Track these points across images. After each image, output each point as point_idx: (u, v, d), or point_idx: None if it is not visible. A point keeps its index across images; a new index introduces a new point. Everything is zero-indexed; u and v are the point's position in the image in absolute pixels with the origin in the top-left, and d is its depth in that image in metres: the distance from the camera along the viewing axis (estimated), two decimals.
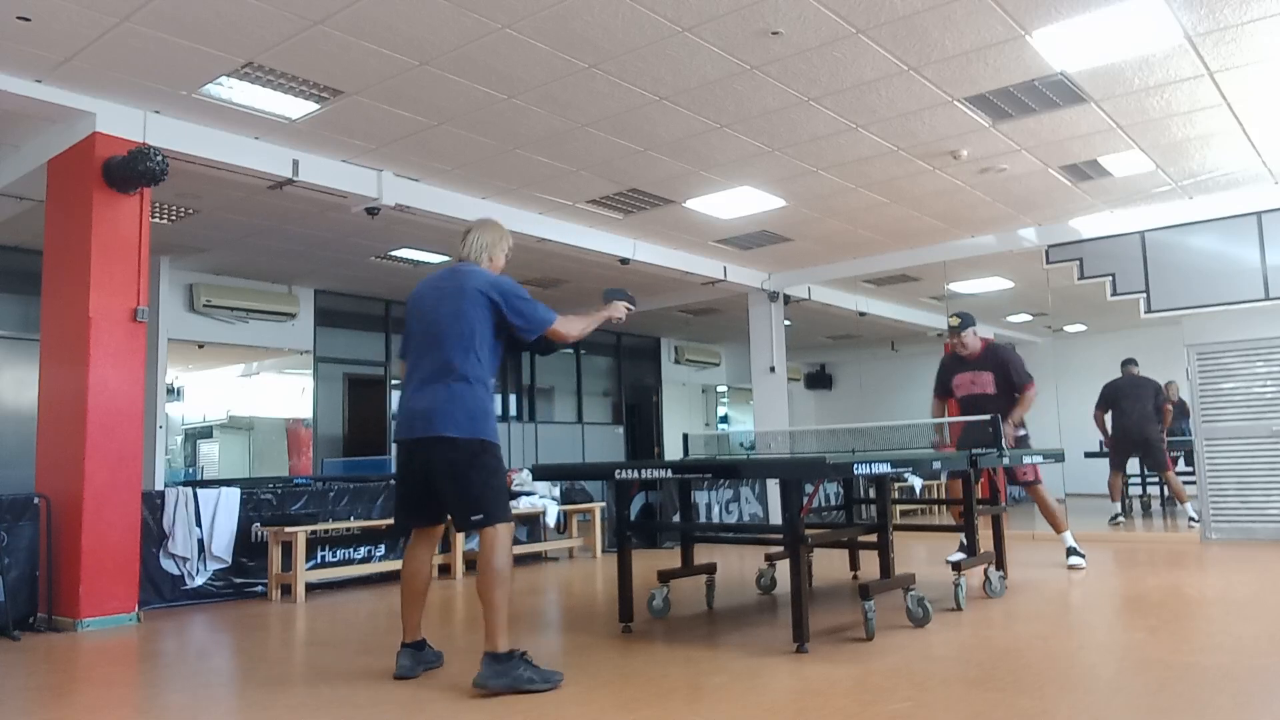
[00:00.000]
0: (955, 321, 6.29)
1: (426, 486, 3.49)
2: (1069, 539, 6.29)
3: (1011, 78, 5.36)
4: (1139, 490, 10.51)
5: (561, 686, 3.34)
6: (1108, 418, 9.42)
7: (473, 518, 3.36)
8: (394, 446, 3.59)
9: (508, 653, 3.26)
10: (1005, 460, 5.13)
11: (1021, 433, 6.20)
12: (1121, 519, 8.90)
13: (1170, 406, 9.31)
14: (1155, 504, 10.47)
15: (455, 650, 4.01)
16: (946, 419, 6.29)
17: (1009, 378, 6.18)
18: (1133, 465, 9.61)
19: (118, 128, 5.35)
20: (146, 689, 3.66)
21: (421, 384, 3.47)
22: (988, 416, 5.49)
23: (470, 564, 6.81)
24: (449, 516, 3.58)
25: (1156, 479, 9.75)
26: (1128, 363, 9.57)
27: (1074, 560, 6.23)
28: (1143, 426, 9.14)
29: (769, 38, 4.77)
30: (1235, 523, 7.49)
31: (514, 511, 3.95)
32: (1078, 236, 8.49)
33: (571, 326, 3.62)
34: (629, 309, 3.88)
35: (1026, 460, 5.61)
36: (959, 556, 6.26)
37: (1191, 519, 8.74)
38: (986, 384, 6.19)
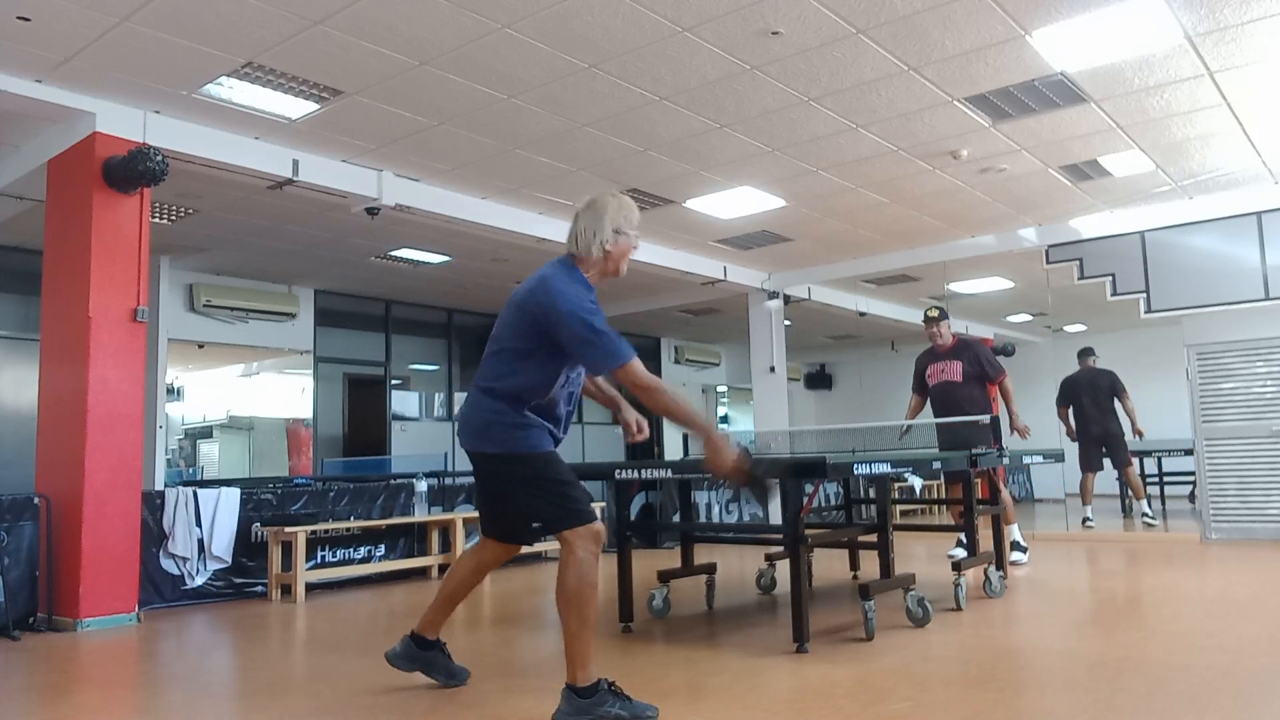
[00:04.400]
0: (935, 313, 6.50)
1: (486, 496, 3.25)
2: (1016, 532, 6.49)
3: (1011, 78, 5.35)
4: (1120, 491, 10.22)
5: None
6: (1071, 415, 9.23)
7: (533, 525, 3.06)
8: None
9: (591, 685, 2.76)
10: (1005, 460, 5.13)
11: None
12: (1092, 523, 8.58)
13: (1130, 400, 9.01)
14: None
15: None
16: (950, 419, 6.30)
17: (979, 366, 6.37)
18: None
19: (118, 128, 5.35)
20: (146, 689, 3.65)
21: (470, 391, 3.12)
22: (987, 418, 5.50)
23: None
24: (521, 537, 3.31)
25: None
26: (1084, 353, 9.29)
27: (1016, 556, 6.41)
28: (1103, 422, 9.00)
29: (769, 38, 4.77)
30: (1235, 523, 7.48)
31: None
32: (1078, 236, 8.49)
33: (658, 390, 2.84)
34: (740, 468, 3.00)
35: (1026, 460, 5.63)
36: (962, 553, 6.31)
37: (1145, 515, 8.75)
38: (955, 372, 6.40)
